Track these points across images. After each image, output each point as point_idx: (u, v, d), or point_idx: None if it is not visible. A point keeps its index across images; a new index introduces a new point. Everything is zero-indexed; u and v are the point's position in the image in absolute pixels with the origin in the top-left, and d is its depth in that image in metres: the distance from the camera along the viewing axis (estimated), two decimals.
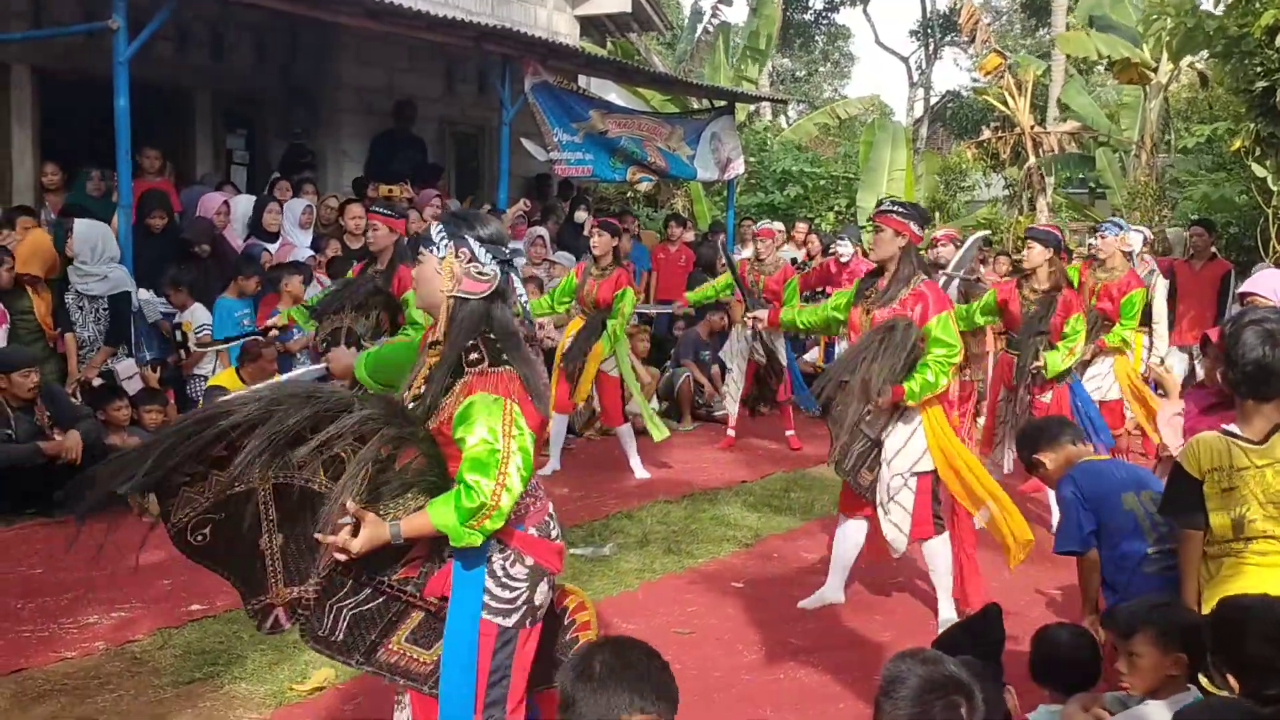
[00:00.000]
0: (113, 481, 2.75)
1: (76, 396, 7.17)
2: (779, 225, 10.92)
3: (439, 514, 2.77)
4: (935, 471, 5.11)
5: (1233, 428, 3.30)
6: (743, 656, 4.83)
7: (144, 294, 7.94)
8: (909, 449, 5.07)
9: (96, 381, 7.44)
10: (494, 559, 2.89)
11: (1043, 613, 5.29)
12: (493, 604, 2.88)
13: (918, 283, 5.04)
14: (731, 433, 9.48)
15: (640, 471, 8.15)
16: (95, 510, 2.78)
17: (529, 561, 2.93)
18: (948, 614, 5.21)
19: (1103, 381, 7.53)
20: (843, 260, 10.47)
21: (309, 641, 2.96)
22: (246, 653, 4.63)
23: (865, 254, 12.45)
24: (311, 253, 8.95)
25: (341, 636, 2.92)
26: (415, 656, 2.95)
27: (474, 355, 2.86)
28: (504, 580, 2.89)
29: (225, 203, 8.82)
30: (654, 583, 5.77)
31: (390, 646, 2.95)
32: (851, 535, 5.42)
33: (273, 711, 4.12)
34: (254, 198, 9.35)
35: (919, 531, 5.13)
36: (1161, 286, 9.40)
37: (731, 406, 9.51)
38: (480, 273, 2.88)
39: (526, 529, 2.93)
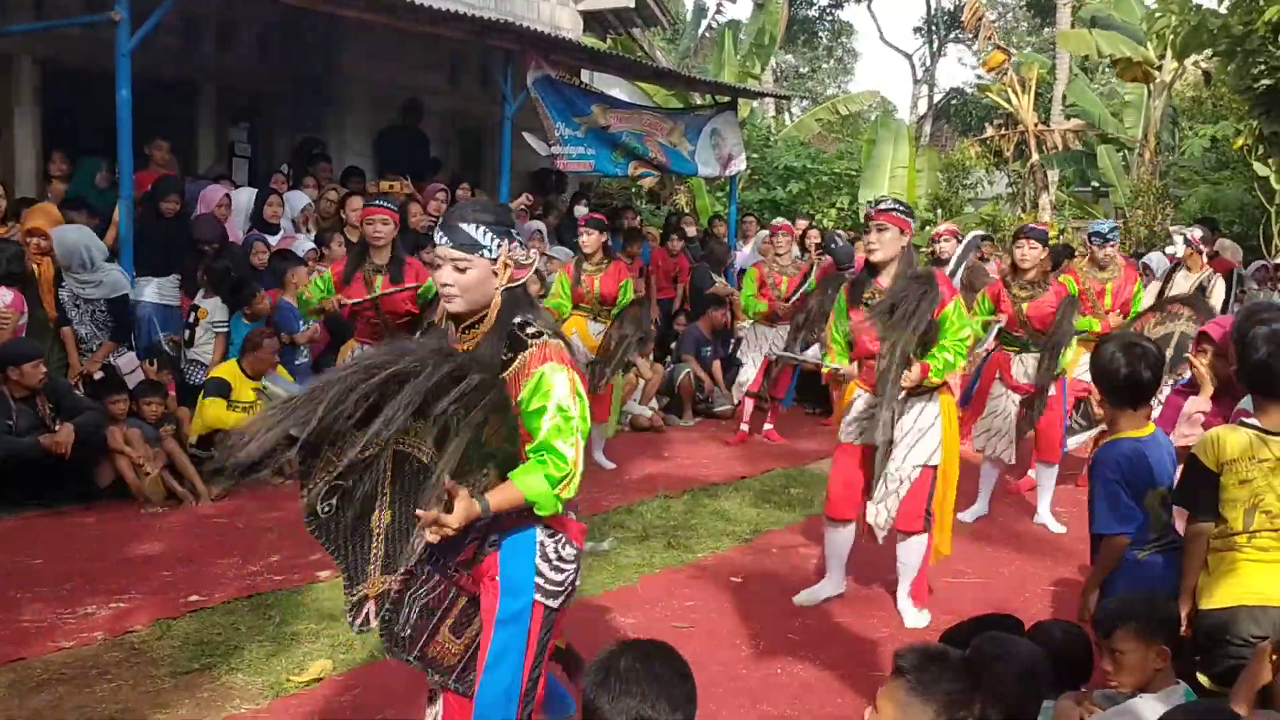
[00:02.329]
0: (281, 426, 2.49)
1: (79, 388, 7.18)
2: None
3: (530, 484, 2.75)
4: (937, 468, 5.10)
5: (1254, 420, 3.35)
6: (740, 651, 4.84)
7: (148, 290, 7.94)
8: (927, 440, 5.05)
9: (98, 374, 7.44)
10: (545, 541, 2.90)
11: (1040, 609, 5.30)
12: (545, 586, 2.88)
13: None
14: (745, 427, 9.49)
15: (604, 463, 8.15)
16: (256, 464, 2.50)
17: (574, 544, 2.96)
18: (913, 616, 5.20)
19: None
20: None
21: (385, 640, 2.91)
22: (244, 644, 4.65)
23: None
24: (313, 245, 8.95)
25: (409, 631, 2.90)
26: (449, 647, 2.95)
27: (531, 329, 2.87)
28: (556, 563, 2.91)
29: (226, 195, 8.80)
30: (653, 577, 5.78)
31: (438, 639, 2.94)
32: (843, 535, 5.35)
33: (270, 702, 4.13)
34: (254, 190, 9.34)
35: (908, 524, 5.13)
36: (1220, 287, 9.45)
37: (744, 400, 9.56)
38: (525, 259, 2.95)
39: (566, 510, 2.92)
